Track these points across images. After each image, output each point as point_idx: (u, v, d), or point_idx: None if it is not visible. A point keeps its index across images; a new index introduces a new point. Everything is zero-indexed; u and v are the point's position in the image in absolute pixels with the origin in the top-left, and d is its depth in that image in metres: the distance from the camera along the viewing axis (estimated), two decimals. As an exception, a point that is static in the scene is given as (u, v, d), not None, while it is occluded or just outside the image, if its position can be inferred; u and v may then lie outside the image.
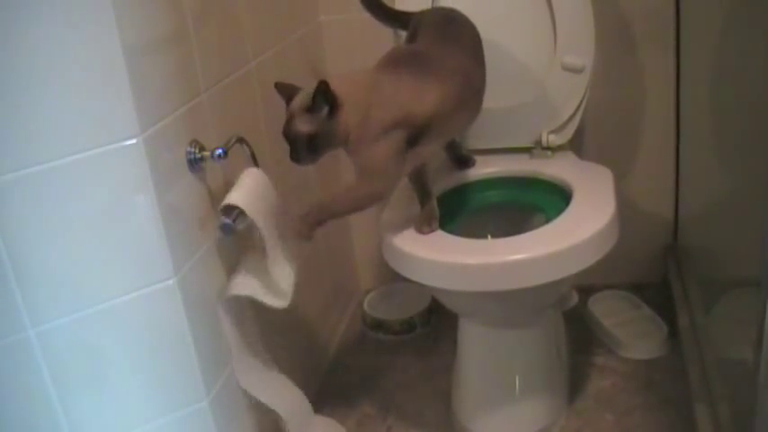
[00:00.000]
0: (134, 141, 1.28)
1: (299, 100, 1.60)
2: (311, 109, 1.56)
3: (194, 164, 1.46)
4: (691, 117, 2.18)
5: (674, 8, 2.14)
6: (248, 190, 1.51)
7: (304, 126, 1.58)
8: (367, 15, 2.15)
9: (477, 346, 1.88)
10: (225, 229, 1.47)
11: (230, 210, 1.46)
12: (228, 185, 1.59)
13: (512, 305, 1.73)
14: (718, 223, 1.93)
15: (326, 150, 1.62)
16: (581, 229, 1.62)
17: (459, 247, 1.63)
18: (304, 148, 1.59)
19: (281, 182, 1.94)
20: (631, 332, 2.19)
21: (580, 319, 2.30)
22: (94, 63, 1.23)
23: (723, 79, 1.83)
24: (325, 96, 1.55)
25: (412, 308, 2.42)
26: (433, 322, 2.42)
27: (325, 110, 1.56)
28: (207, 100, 1.56)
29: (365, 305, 2.50)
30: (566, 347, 2.02)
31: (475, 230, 1.73)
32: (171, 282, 1.37)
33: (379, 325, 2.43)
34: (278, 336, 1.80)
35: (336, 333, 2.46)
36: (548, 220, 1.73)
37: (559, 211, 1.71)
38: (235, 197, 1.47)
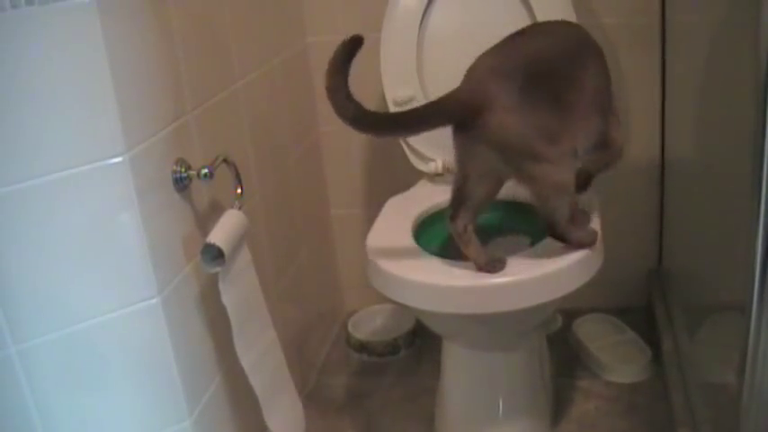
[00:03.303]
0: (120, 159, 1.28)
1: None
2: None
3: (180, 183, 1.47)
4: (676, 142, 2.19)
5: (659, 15, 2.16)
6: (229, 235, 1.50)
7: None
8: None
9: (460, 368, 1.88)
10: (207, 266, 1.46)
11: (212, 248, 1.45)
12: (214, 205, 1.61)
13: (496, 328, 1.73)
14: (703, 248, 1.92)
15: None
16: (565, 253, 1.62)
17: (444, 270, 1.63)
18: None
19: (265, 200, 1.96)
20: (615, 356, 2.19)
21: (564, 342, 2.30)
22: (81, 80, 1.23)
23: (709, 102, 1.84)
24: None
25: (396, 329, 2.42)
26: (417, 344, 2.42)
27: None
28: (193, 119, 1.56)
29: (349, 326, 2.49)
30: (549, 370, 2.02)
31: (459, 253, 1.72)
32: (154, 301, 1.37)
33: (362, 346, 2.43)
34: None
35: (320, 354, 2.45)
36: (532, 244, 1.73)
37: (544, 235, 1.71)
38: (216, 237, 1.46)
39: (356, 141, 2.46)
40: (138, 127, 1.33)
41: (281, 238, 2.11)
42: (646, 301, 2.37)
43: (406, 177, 2.12)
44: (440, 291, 1.59)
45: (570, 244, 1.63)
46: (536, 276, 1.57)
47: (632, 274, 2.42)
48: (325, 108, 2.37)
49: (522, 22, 1.97)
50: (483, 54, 1.61)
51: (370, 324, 2.50)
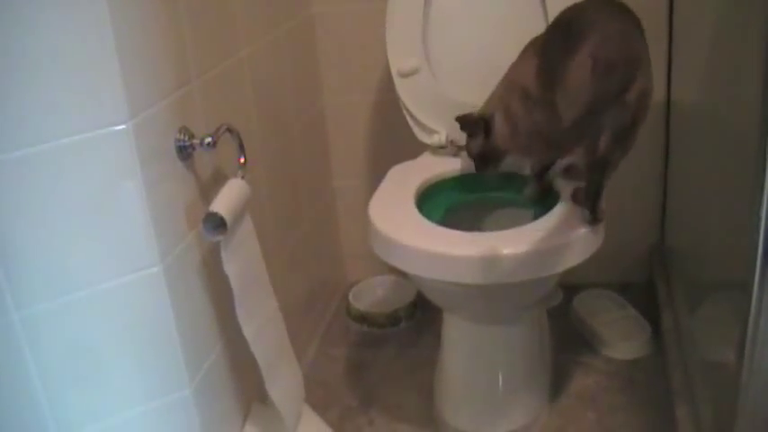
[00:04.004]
0: (123, 127, 1.27)
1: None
2: (470, 135, 1.85)
3: (183, 151, 1.46)
4: (681, 116, 2.17)
5: (667, 5, 2.14)
6: (232, 204, 1.50)
7: (473, 149, 1.87)
8: (361, 6, 2.16)
9: (460, 341, 1.88)
10: (209, 234, 1.46)
11: (214, 216, 1.45)
12: (217, 174, 1.61)
13: (496, 300, 1.73)
14: (706, 224, 1.91)
15: (498, 161, 1.87)
16: (568, 228, 1.62)
17: (446, 238, 1.63)
18: (480, 162, 1.87)
19: (269, 170, 1.97)
20: (615, 332, 2.20)
21: (565, 317, 2.31)
22: (84, 46, 1.22)
23: (714, 77, 1.83)
24: (472, 127, 1.84)
25: (397, 301, 2.43)
26: (418, 316, 2.43)
27: (480, 135, 1.82)
28: (197, 88, 1.56)
29: (350, 297, 2.50)
30: (549, 345, 2.03)
31: (462, 223, 1.72)
32: (156, 269, 1.37)
33: (363, 317, 2.43)
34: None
35: (321, 324, 2.46)
36: (535, 218, 1.73)
37: (547, 209, 1.71)
38: (219, 206, 1.46)
39: (360, 113, 2.46)
40: (142, 94, 1.32)
41: (283, 208, 2.11)
42: (647, 277, 2.37)
43: (409, 149, 2.11)
44: (440, 259, 1.59)
45: (592, 210, 1.64)
46: (538, 249, 1.58)
47: (634, 249, 2.42)
48: (329, 79, 2.41)
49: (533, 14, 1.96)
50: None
51: (370, 295, 2.51)
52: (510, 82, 1.80)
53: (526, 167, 1.91)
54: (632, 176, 2.30)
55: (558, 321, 2.23)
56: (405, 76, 2.02)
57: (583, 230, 1.62)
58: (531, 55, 1.75)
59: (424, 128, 2.06)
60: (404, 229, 1.67)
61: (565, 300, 2.31)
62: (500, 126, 1.80)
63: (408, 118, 2.08)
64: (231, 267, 1.51)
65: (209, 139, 1.46)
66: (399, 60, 2.03)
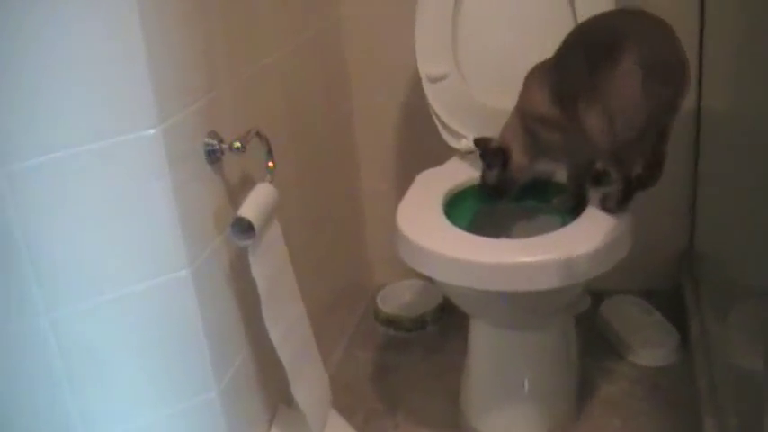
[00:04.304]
0: (153, 132, 1.28)
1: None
2: (489, 167, 1.86)
3: (212, 156, 1.46)
4: (712, 115, 2.15)
5: (698, 10, 2.13)
6: (260, 209, 1.51)
7: (490, 179, 1.87)
8: (390, 10, 2.19)
9: (486, 347, 1.88)
10: (237, 239, 1.47)
11: (242, 221, 1.45)
12: (246, 178, 1.61)
13: (522, 307, 1.73)
14: (736, 229, 1.88)
15: (512, 191, 1.89)
16: (594, 236, 1.61)
17: (472, 245, 1.64)
18: (496, 191, 1.89)
19: (296, 173, 1.98)
20: (642, 338, 2.18)
21: (592, 322, 2.30)
22: (115, 52, 1.23)
23: (747, 77, 1.80)
24: (493, 159, 1.84)
25: (424, 305, 2.43)
26: (445, 320, 2.42)
27: (498, 166, 1.83)
28: (227, 92, 1.56)
29: (377, 300, 2.50)
30: (576, 351, 2.02)
31: (489, 229, 1.72)
32: (184, 272, 1.37)
33: (390, 321, 2.43)
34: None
35: (348, 327, 2.46)
36: (563, 224, 1.73)
37: (574, 216, 1.71)
38: (247, 211, 1.47)
39: (389, 116, 2.46)
40: (172, 99, 1.33)
41: (311, 210, 2.12)
42: (676, 283, 2.34)
43: (438, 153, 2.10)
44: (467, 266, 1.60)
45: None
46: (565, 257, 1.57)
47: (663, 255, 2.40)
48: (357, 82, 2.41)
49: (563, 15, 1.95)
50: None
51: (398, 299, 2.51)
52: (523, 113, 1.81)
53: (554, 174, 1.90)
54: (661, 180, 2.28)
55: (585, 327, 2.22)
56: (434, 81, 2.02)
57: (610, 238, 1.61)
58: (539, 82, 1.77)
59: (453, 132, 2.06)
60: (430, 235, 1.67)
61: (592, 305, 2.32)
62: (518, 157, 1.83)
63: (437, 123, 2.08)
64: (258, 271, 1.51)
65: (238, 144, 1.46)
66: (429, 65, 2.03)
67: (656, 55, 1.57)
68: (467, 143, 2.03)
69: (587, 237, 1.62)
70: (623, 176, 1.66)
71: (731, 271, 1.96)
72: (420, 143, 2.36)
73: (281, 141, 1.84)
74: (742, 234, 1.83)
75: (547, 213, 1.89)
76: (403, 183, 1.99)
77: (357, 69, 2.42)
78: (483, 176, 1.89)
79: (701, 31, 2.15)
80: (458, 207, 1.86)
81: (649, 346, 2.16)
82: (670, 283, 2.37)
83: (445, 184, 1.91)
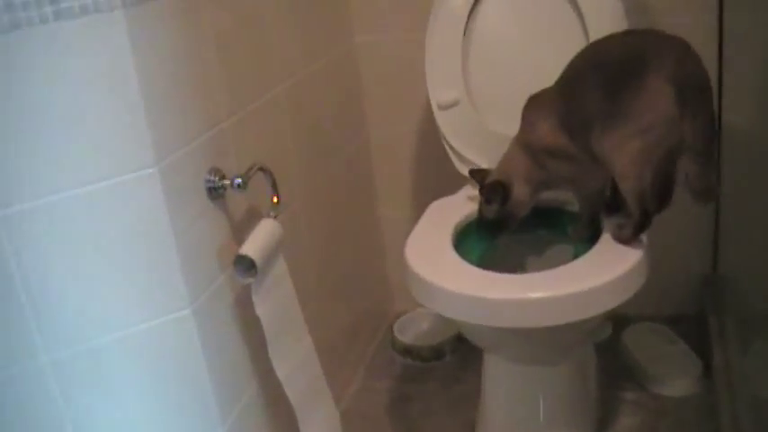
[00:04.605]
0: (150, 171, 1.28)
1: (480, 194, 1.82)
2: (488, 202, 1.79)
3: (214, 192, 1.46)
4: (733, 132, 2.09)
5: (717, 28, 2.08)
6: (263, 246, 1.50)
7: (489, 214, 1.81)
8: (405, 36, 2.19)
9: (501, 381, 1.84)
10: (240, 277, 1.46)
11: (244, 259, 1.45)
12: (252, 213, 1.60)
13: (536, 343, 1.69)
14: (762, 252, 1.81)
15: (511, 227, 1.81)
16: (610, 266, 1.57)
17: (482, 280, 1.59)
18: (494, 227, 1.82)
19: (312, 201, 1.98)
20: (665, 368, 2.13)
21: (613, 351, 2.25)
22: (109, 92, 1.23)
23: None
24: (493, 194, 1.77)
25: (442, 334, 2.39)
26: (463, 350, 2.38)
27: (499, 201, 1.77)
28: (230, 126, 1.56)
29: (395, 329, 2.47)
30: (595, 382, 1.97)
31: (500, 261, 1.70)
32: (186, 312, 1.37)
33: (407, 350, 2.40)
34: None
35: (365, 356, 2.44)
36: (576, 254, 1.69)
37: (587, 246, 1.67)
38: (249, 248, 1.46)
39: (406, 143, 2.45)
40: (169, 137, 1.33)
41: (327, 239, 2.11)
42: (699, 308, 2.29)
43: (455, 180, 2.07)
44: (477, 302, 1.55)
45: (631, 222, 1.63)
46: (579, 291, 1.52)
47: (686, 280, 2.35)
48: (373, 109, 2.40)
49: (571, 23, 1.92)
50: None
51: (416, 328, 2.48)
52: (527, 144, 1.76)
53: (565, 203, 1.86)
54: (682, 201, 2.24)
55: (607, 355, 2.18)
56: (444, 108, 1.99)
57: (626, 268, 1.57)
58: (544, 112, 1.72)
59: (465, 160, 2.03)
60: (439, 270, 1.63)
61: (615, 332, 2.27)
62: (518, 192, 1.77)
63: (448, 150, 2.04)
64: (263, 310, 1.50)
65: (238, 181, 1.46)
66: (439, 92, 2.00)
67: (683, 70, 1.52)
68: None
69: (602, 268, 1.57)
70: (641, 204, 1.61)
71: (755, 297, 1.91)
72: (438, 169, 2.32)
73: (293, 170, 1.87)
74: (765, 258, 1.77)
75: (561, 243, 1.85)
76: (421, 209, 1.96)
77: (373, 95, 2.40)
78: (480, 211, 1.84)
79: (720, 46, 2.10)
80: (470, 238, 1.83)
81: (671, 376, 2.11)
82: (695, 309, 2.31)
83: (457, 214, 1.87)
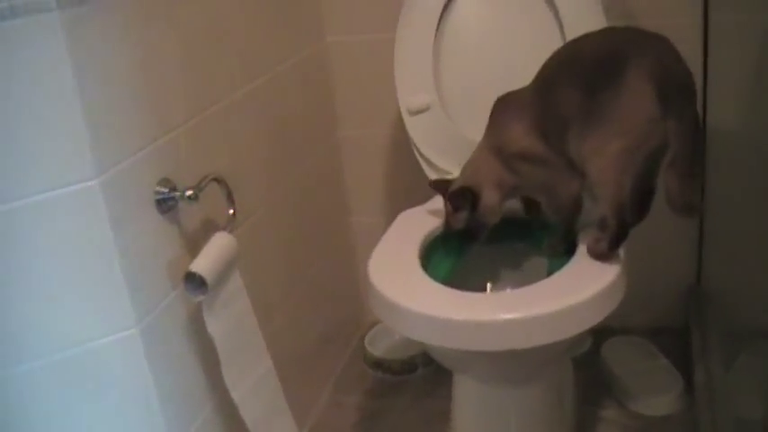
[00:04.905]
0: (90, 184, 1.23)
1: (445, 202, 1.74)
2: (455, 209, 1.70)
3: (164, 204, 1.40)
4: (718, 139, 2.03)
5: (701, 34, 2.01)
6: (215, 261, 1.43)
7: (457, 224, 1.72)
8: (379, 36, 2.11)
9: (471, 401, 1.75)
10: (192, 295, 1.41)
11: (193, 276, 1.39)
12: (208, 225, 1.54)
13: (508, 364, 1.60)
14: (748, 264, 1.81)
15: (485, 230, 1.72)
16: (584, 285, 1.48)
17: (450, 300, 1.50)
18: (463, 238, 1.75)
19: (278, 209, 1.93)
20: (645, 385, 2.05)
21: (592, 365, 2.17)
22: (46, 101, 1.17)
23: (758, 96, 1.74)
24: (462, 201, 1.68)
25: (414, 347, 2.30)
26: (436, 363, 2.28)
27: (467, 208, 1.68)
28: (185, 133, 1.50)
29: (366, 342, 2.40)
30: (572, 399, 1.90)
31: (470, 276, 1.63)
32: (132, 331, 1.32)
33: (378, 364, 2.33)
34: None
35: (335, 369, 2.37)
36: (550, 268, 1.62)
37: (562, 259, 1.59)
38: (199, 265, 1.40)
39: (379, 146, 2.38)
40: (113, 148, 1.27)
41: (294, 248, 2.05)
42: (683, 321, 2.22)
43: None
44: (444, 324, 1.46)
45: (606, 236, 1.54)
46: (552, 311, 1.43)
47: (669, 292, 2.28)
48: (344, 111, 2.32)
49: (547, 23, 1.85)
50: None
51: (387, 340, 2.40)
52: (497, 148, 1.67)
53: (541, 214, 1.78)
54: (666, 210, 2.17)
55: (586, 369, 2.10)
56: (415, 113, 1.91)
57: (602, 286, 1.48)
58: (516, 114, 1.64)
59: (435, 168, 1.95)
60: (404, 290, 1.54)
61: (594, 345, 2.20)
62: (488, 198, 1.68)
63: (419, 159, 1.97)
64: (216, 328, 1.44)
65: (189, 193, 1.40)
66: (409, 97, 1.92)
67: (664, 69, 1.44)
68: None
69: (577, 286, 1.48)
70: (618, 214, 1.52)
71: (740, 310, 1.90)
72: (413, 173, 2.23)
73: (258, 178, 1.82)
74: (752, 269, 1.77)
75: (534, 255, 1.77)
76: (395, 215, 1.89)
77: (345, 97, 2.34)
78: (447, 222, 1.74)
79: (705, 47, 2.03)
80: (438, 251, 1.75)
81: (651, 393, 2.03)
82: (678, 322, 2.25)
83: (425, 225, 1.78)
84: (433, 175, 1.95)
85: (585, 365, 2.12)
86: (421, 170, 2.00)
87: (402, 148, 2.29)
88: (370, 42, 2.25)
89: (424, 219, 1.82)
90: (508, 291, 1.78)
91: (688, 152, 1.43)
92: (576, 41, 1.62)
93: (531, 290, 1.49)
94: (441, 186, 1.78)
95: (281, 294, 1.94)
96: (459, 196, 1.68)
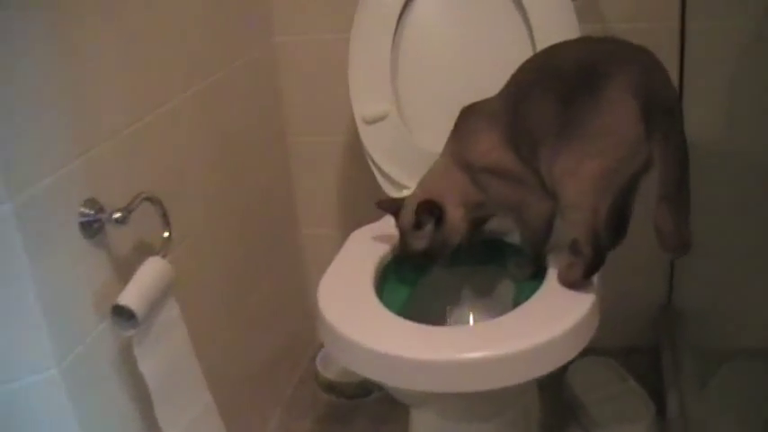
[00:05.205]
0: (2, 207, 1.10)
1: (405, 219, 1.60)
2: (418, 226, 1.56)
3: (89, 228, 1.28)
4: (693, 157, 1.97)
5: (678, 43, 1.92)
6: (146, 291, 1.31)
7: (418, 244, 1.58)
8: (332, 36, 2.07)
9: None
10: (121, 329, 1.28)
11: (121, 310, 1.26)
12: (141, 249, 1.42)
13: (467, 404, 1.48)
14: (721, 282, 1.76)
15: (448, 251, 1.59)
16: (555, 319, 1.35)
17: (405, 335, 1.37)
18: (426, 259, 1.61)
19: (221, 223, 1.84)
20: (613, 412, 1.94)
21: (557, 390, 2.07)
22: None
23: (736, 111, 1.69)
24: (428, 214, 1.55)
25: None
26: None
27: (431, 223, 1.56)
28: (114, 147, 1.38)
29: (317, 361, 2.29)
30: (538, 428, 1.79)
31: (430, 304, 1.52)
32: (52, 371, 1.20)
33: (331, 386, 2.23)
34: (212, 391, 1.55)
35: (285, 392, 2.26)
36: (517, 294, 1.52)
37: (531, 283, 1.48)
38: (128, 296, 1.27)
39: (331, 154, 2.28)
40: (26, 167, 1.15)
41: (240, 265, 1.95)
42: (654, 341, 2.15)
43: (384, 194, 1.88)
44: (399, 363, 1.32)
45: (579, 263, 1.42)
46: (518, 350, 1.30)
47: (639, 311, 2.21)
48: (294, 116, 2.20)
49: (515, 26, 1.75)
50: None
51: (340, 361, 2.29)
52: (464, 162, 1.55)
53: (507, 234, 1.68)
54: (636, 226, 2.09)
55: (550, 395, 1.99)
56: (370, 122, 1.79)
57: (575, 321, 1.35)
58: (485, 126, 1.51)
59: (393, 182, 1.83)
60: (355, 322, 1.40)
61: (559, 368, 2.08)
62: (453, 213, 1.56)
63: (375, 171, 1.85)
64: (147, 365, 1.32)
65: (117, 215, 1.28)
66: (364, 104, 1.80)
67: (649, 84, 1.33)
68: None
69: (547, 320, 1.36)
70: (593, 240, 1.40)
71: (712, 330, 1.85)
72: (366, 183, 2.13)
73: (200, 192, 1.73)
74: (726, 288, 1.73)
75: (500, 277, 1.66)
76: (349, 226, 1.80)
77: (294, 102, 2.24)
78: (405, 242, 1.61)
79: (682, 52, 1.95)
80: (395, 275, 1.62)
81: (621, 421, 1.92)
82: (649, 342, 2.17)
83: (381, 246, 1.65)
84: (388, 188, 1.85)
85: (551, 390, 2.01)
86: (373, 179, 1.89)
87: (356, 156, 2.20)
88: (322, 43, 2.14)
89: (380, 238, 1.69)
90: (471, 324, 1.67)
91: (676, 177, 1.32)
92: (552, 49, 1.49)
93: (496, 324, 1.37)
94: (389, 207, 1.67)
95: (225, 315, 1.83)
96: (424, 210, 1.54)
